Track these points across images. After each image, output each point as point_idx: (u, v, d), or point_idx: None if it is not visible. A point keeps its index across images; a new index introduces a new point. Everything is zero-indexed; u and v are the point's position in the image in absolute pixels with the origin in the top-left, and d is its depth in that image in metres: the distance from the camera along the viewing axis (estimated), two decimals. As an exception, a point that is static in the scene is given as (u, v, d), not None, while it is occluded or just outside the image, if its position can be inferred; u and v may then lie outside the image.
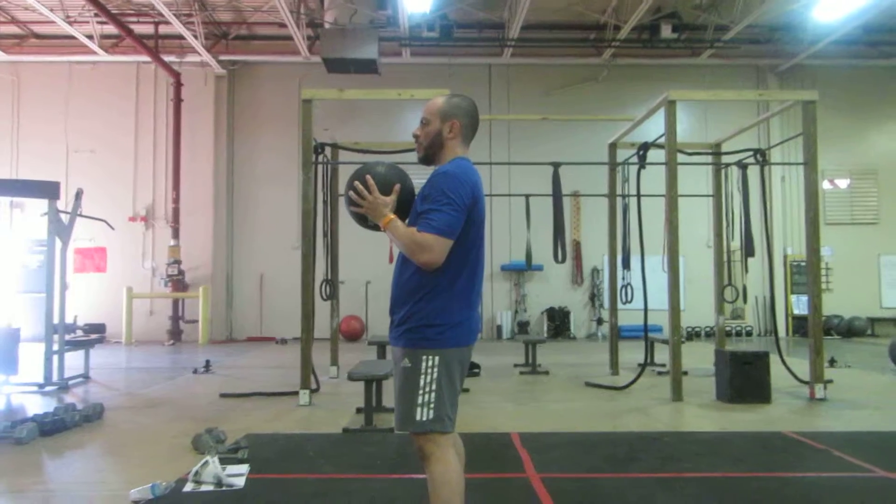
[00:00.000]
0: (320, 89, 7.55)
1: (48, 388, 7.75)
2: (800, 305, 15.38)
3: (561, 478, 4.12)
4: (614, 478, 4.20)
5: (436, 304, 2.57)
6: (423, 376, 2.54)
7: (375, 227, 2.66)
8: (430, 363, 2.54)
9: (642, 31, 14.23)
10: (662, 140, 7.51)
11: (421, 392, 2.53)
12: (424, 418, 2.51)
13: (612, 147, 9.65)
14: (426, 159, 2.80)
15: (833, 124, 14.80)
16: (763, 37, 14.60)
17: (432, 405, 2.53)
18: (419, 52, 15.30)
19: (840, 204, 16.01)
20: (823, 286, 13.84)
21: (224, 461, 4.28)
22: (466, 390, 7.34)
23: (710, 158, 9.91)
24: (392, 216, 2.59)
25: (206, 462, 4.05)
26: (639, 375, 7.81)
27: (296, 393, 6.95)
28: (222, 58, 15.30)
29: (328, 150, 8.71)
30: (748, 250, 8.84)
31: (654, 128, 8.70)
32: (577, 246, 15.75)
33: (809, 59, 15.22)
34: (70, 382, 8.18)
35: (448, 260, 2.54)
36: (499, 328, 15.58)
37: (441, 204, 2.51)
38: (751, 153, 8.66)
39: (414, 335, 2.57)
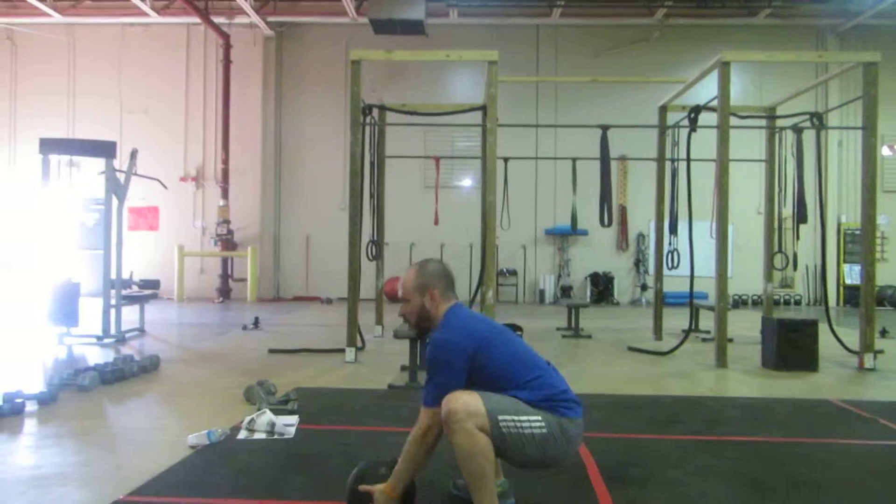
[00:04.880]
0: (368, 50, 7.55)
1: (106, 341, 8.09)
2: (852, 275, 15.00)
3: (603, 437, 4.17)
4: (656, 439, 4.24)
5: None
6: (530, 416, 2.68)
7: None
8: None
9: (696, -11, 13.82)
10: (714, 103, 7.35)
11: (519, 417, 2.67)
12: (501, 426, 2.63)
13: (663, 110, 9.47)
14: (422, 332, 2.97)
15: (895, 87, 14.22)
16: (824, -5, 14.04)
17: (513, 431, 2.65)
18: (466, 13, 15.13)
19: (899, 171, 15.46)
20: (878, 255, 13.46)
21: (275, 412, 4.44)
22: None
23: (763, 122, 9.65)
24: (387, 488, 2.72)
25: (262, 412, 4.21)
26: (683, 341, 7.78)
27: (342, 350, 7.13)
28: (270, 19, 15.37)
29: (375, 112, 8.75)
30: (800, 217, 8.64)
31: (705, 91, 8.50)
32: (622, 211, 15.58)
33: (872, 18, 14.58)
34: (127, 335, 8.52)
35: (497, 386, 2.71)
36: (541, 292, 15.59)
37: (432, 377, 2.71)
38: (807, 117, 8.40)
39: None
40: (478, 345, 2.74)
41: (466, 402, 2.59)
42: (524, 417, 2.65)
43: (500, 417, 2.61)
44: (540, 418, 2.66)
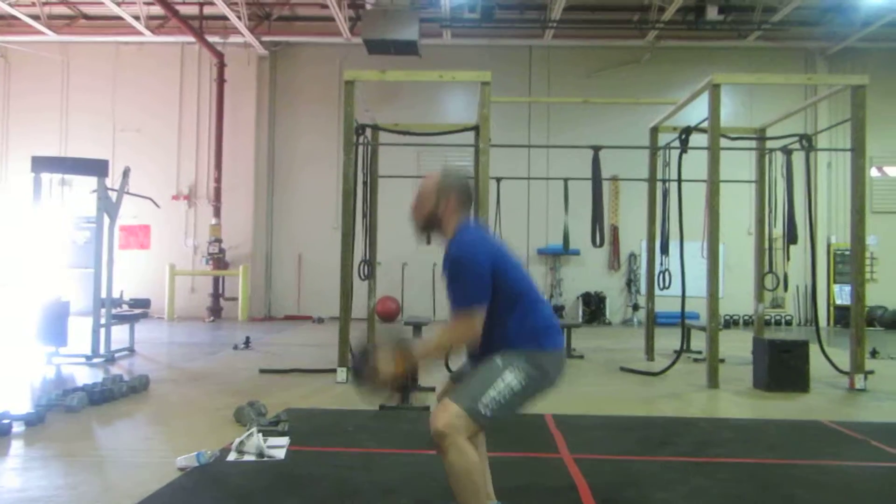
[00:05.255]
0: (362, 70, 7.59)
1: (95, 360, 8.02)
2: (842, 295, 15.06)
3: (594, 459, 4.16)
4: (648, 460, 4.22)
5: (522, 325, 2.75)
6: (503, 377, 2.66)
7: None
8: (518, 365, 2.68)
9: (687, 12, 13.93)
10: (705, 124, 7.42)
11: (494, 389, 2.64)
12: (484, 412, 2.61)
13: (654, 131, 9.54)
14: (425, 234, 2.96)
15: (884, 110, 14.37)
16: (812, 19, 14.23)
17: (495, 406, 2.63)
18: (460, 34, 15.25)
19: (888, 192, 15.58)
20: (868, 276, 13.53)
21: (265, 433, 4.41)
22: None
23: (753, 143, 9.73)
24: (404, 358, 2.68)
25: (251, 434, 4.18)
26: (675, 361, 7.77)
27: (333, 370, 7.09)
28: (265, 38, 15.46)
29: (368, 132, 8.77)
30: (790, 238, 8.68)
31: (696, 112, 8.57)
32: (614, 231, 15.63)
33: (860, 42, 14.78)
34: (116, 355, 8.45)
35: (503, 305, 2.71)
36: (534, 312, 15.55)
37: (457, 278, 2.68)
38: (796, 138, 8.49)
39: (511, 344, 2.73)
40: (495, 259, 2.73)
41: (447, 421, 2.58)
42: (501, 384, 2.63)
43: (482, 402, 2.60)
44: (513, 376, 2.65)
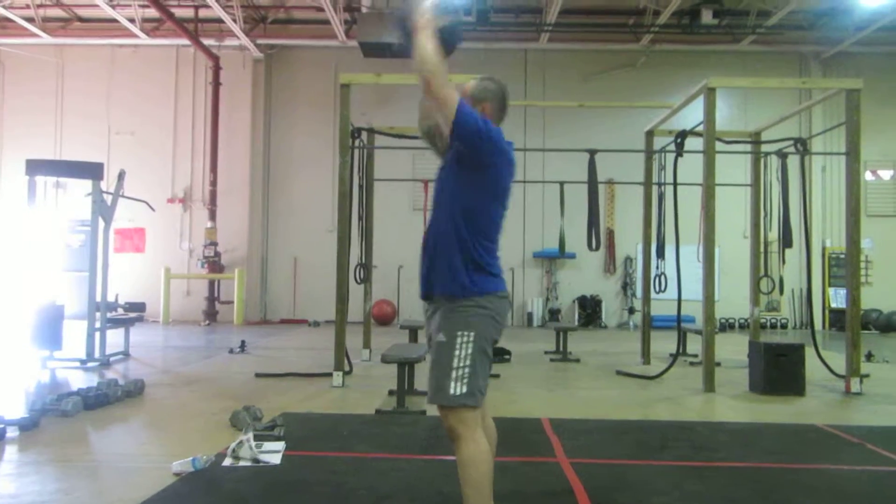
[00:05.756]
0: (357, 74, 7.59)
1: (90, 364, 7.98)
2: (837, 299, 15.10)
3: (591, 463, 4.15)
4: (644, 465, 4.22)
5: (479, 251, 2.72)
6: (458, 349, 2.61)
7: (405, 40, 2.67)
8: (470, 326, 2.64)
9: (682, 16, 14.00)
10: (700, 128, 7.43)
11: (456, 367, 2.60)
12: (458, 392, 2.59)
13: (649, 135, 9.56)
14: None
15: (878, 113, 14.43)
16: (807, 23, 14.29)
17: (466, 380, 2.60)
18: (455, 37, 15.24)
19: (882, 195, 15.66)
20: (863, 279, 13.55)
21: (261, 438, 4.39)
22: (497, 376, 7.38)
23: (748, 147, 9.76)
24: (431, 26, 2.62)
25: (246, 439, 4.16)
26: (671, 365, 7.77)
27: (329, 374, 7.07)
28: (260, 42, 15.45)
29: (364, 135, 8.77)
30: (786, 241, 8.70)
31: (691, 115, 8.59)
32: (610, 234, 15.65)
33: (855, 46, 14.84)
34: (111, 359, 8.41)
35: (478, 206, 2.73)
36: (529, 315, 15.58)
37: (473, 115, 2.67)
38: (791, 142, 8.52)
39: (460, 280, 2.68)
40: (504, 172, 2.78)
41: (446, 422, 2.60)
42: (456, 361, 2.60)
43: (451, 388, 2.59)
44: (460, 342, 2.62)
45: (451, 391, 2.59)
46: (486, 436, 2.69)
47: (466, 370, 2.60)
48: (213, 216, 15.28)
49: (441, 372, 2.62)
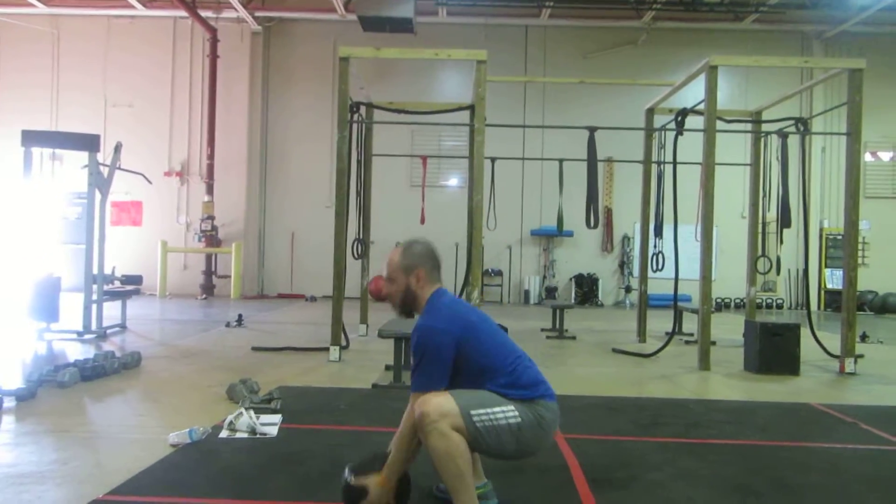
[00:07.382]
0: (356, 47, 7.51)
1: (87, 336, 8.00)
2: (834, 280, 15.15)
3: (586, 439, 4.17)
4: (639, 441, 4.25)
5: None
6: (503, 406, 2.70)
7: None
8: None
9: (684, -7, 13.88)
10: (701, 107, 7.39)
11: (492, 410, 2.67)
12: (475, 421, 2.64)
13: (650, 113, 9.51)
14: (406, 314, 2.92)
15: (879, 94, 14.37)
16: (809, 2, 14.16)
17: (487, 423, 2.66)
18: (455, 12, 15.12)
19: (881, 177, 15.65)
20: (859, 261, 13.59)
21: (258, 411, 4.41)
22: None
23: (749, 126, 9.71)
24: (381, 481, 2.71)
25: (240, 412, 4.17)
26: (666, 343, 7.81)
27: (326, 349, 7.09)
28: (258, 14, 15.30)
29: (363, 110, 8.70)
30: (784, 221, 8.68)
31: (692, 94, 8.53)
32: (608, 213, 15.64)
33: (857, 25, 14.74)
34: (108, 331, 8.43)
35: (475, 379, 2.72)
36: (526, 293, 15.61)
37: (420, 363, 2.69)
38: (792, 122, 8.48)
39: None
40: (464, 331, 2.73)
41: (438, 404, 2.59)
42: (498, 409, 2.65)
43: (474, 412, 2.61)
44: (513, 408, 2.67)
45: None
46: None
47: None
48: (210, 190, 15.23)
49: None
